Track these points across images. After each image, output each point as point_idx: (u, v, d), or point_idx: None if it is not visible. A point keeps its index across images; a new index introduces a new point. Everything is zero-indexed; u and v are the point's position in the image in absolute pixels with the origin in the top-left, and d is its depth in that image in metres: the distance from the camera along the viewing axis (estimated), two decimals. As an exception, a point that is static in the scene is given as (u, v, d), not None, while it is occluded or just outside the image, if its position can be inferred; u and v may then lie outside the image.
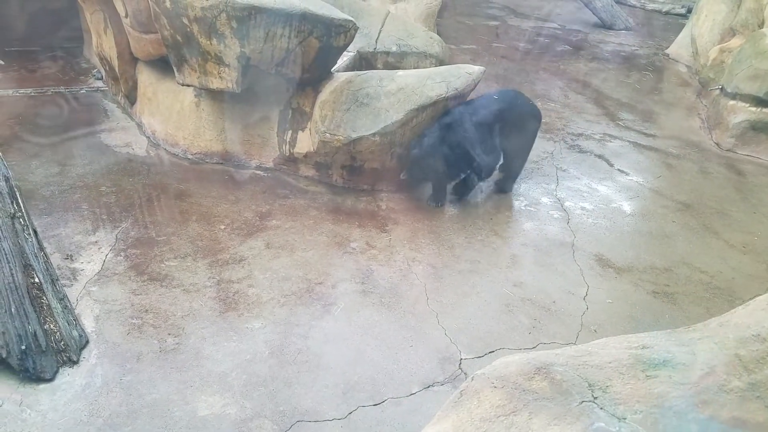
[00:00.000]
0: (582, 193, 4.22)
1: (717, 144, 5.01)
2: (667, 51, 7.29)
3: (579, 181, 4.37)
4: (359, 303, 2.85)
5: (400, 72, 3.66)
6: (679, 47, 7.07)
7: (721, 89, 5.24)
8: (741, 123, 4.89)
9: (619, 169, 4.53)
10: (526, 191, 4.10)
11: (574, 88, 5.99)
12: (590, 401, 1.05)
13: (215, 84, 3.49)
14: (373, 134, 3.47)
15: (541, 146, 4.63)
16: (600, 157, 4.68)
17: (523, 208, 3.93)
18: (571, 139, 4.89)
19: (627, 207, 4.06)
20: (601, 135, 5.01)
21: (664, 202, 4.12)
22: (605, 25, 8.32)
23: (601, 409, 1.03)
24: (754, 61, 4.84)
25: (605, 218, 3.89)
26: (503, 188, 4.08)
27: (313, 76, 3.64)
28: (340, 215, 3.60)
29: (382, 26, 4.37)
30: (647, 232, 3.77)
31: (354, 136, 3.48)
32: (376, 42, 4.31)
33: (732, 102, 4.97)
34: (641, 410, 1.04)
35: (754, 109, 4.82)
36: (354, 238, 3.37)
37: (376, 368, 2.47)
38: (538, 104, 4.35)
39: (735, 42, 5.75)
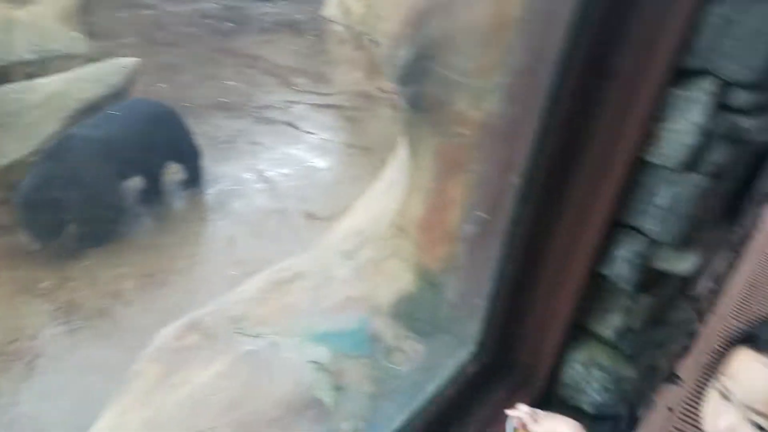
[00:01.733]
0: (279, 160, 4.45)
1: (380, 89, 5.73)
2: (323, 13, 7.94)
3: (274, 150, 4.59)
4: (70, 344, 2.58)
5: (42, 80, 3.27)
6: (331, 8, 7.75)
7: (371, 40, 5.97)
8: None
9: (306, 131, 4.88)
10: (228, 172, 4.14)
11: (247, 63, 6.15)
12: (235, 334, 1.20)
13: None
14: (31, 153, 3.07)
15: (229, 126, 4.70)
16: (287, 123, 4.96)
17: (228, 189, 3.97)
18: (257, 113, 5.05)
19: (320, 163, 4.43)
20: (283, 103, 5.29)
21: (349, 151, 4.60)
22: (262, -3, 8.59)
23: (246, 335, 1.18)
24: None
25: (304, 178, 4.19)
26: (192, 184, 3.88)
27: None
28: (17, 256, 3.13)
29: (9, 34, 3.82)
30: (340, 181, 4.20)
31: (5, 162, 3.03)
32: (7, 54, 3.76)
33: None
34: (278, 322, 1.23)
35: (401, 53, 5.63)
36: (44, 277, 2.98)
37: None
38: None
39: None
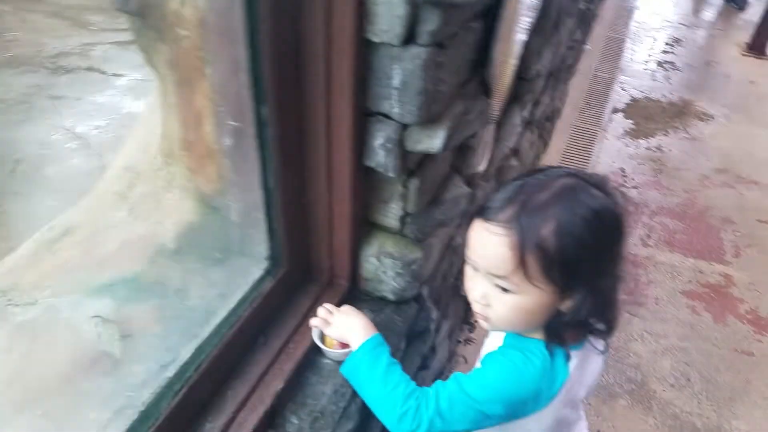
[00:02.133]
0: (89, 112, 4.01)
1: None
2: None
3: (81, 102, 4.12)
4: None
5: None
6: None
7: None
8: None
9: (114, 74, 4.41)
10: (30, 136, 3.66)
11: (28, 8, 5.33)
12: (7, 306, 1.08)
13: None
14: None
15: (22, 82, 4.12)
16: (90, 69, 4.45)
17: (37, 154, 3.52)
18: (51, 63, 4.46)
19: (137, 107, 4.05)
20: (81, 47, 4.71)
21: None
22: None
23: (18, 306, 1.07)
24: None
25: (122, 126, 3.82)
26: None
27: None
28: None
29: None
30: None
31: None
32: None
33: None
34: (53, 283, 1.13)
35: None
36: None
37: None
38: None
39: None
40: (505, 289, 0.89)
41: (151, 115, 1.40)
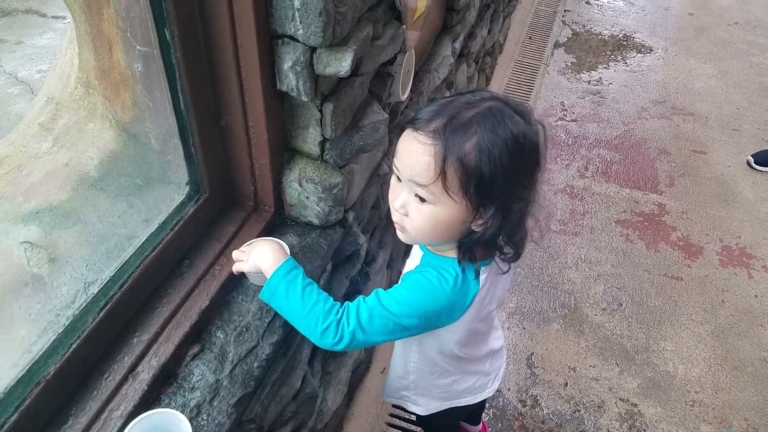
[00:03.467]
0: (31, 56, 3.86)
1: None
2: None
3: (22, 45, 3.96)
4: None
5: None
6: None
7: None
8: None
9: (53, 16, 4.23)
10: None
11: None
12: None
13: None
14: None
15: (-50, 24, 3.92)
16: (28, 11, 4.25)
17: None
18: (-19, 4, 4.23)
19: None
20: (12, -13, 4.47)
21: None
22: None
23: None
24: None
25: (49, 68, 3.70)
26: None
27: None
28: None
29: None
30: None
31: None
32: None
33: None
34: None
35: None
36: None
37: None
38: None
39: None
40: (423, 199, 0.94)
41: (69, 45, 1.39)
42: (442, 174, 0.89)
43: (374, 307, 1.04)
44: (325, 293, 1.08)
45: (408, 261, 1.25)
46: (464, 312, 1.05)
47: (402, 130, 0.98)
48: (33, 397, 0.92)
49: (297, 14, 1.04)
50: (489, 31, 2.98)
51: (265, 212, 1.41)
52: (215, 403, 1.08)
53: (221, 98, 1.19)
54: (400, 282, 1.10)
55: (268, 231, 1.42)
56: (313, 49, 1.12)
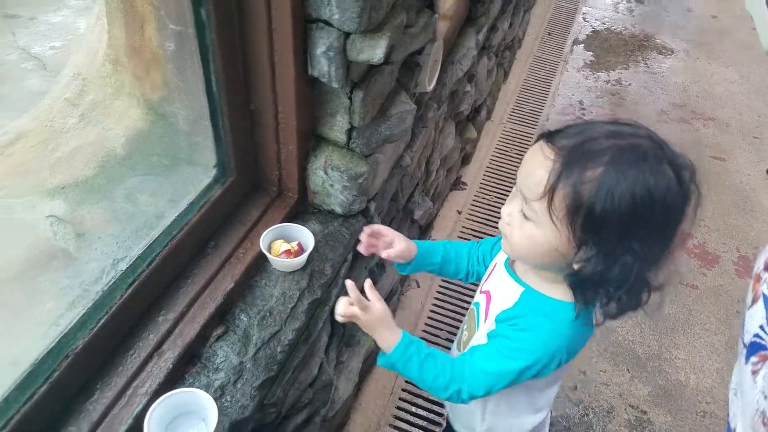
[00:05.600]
0: (44, 32, 3.84)
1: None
2: None
3: (35, 21, 3.93)
4: None
5: None
6: None
7: None
8: None
9: (69, -7, 4.22)
10: (-27, 54, 3.52)
11: None
12: None
13: None
14: None
15: (-33, -3, 3.92)
16: (42, -14, 4.23)
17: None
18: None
19: (83, 21, 3.92)
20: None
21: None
22: None
23: None
24: None
25: (79, 45, 3.71)
26: None
27: None
28: None
29: None
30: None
31: None
32: None
33: None
34: (4, 186, 1.16)
35: None
36: None
37: None
38: None
39: None
40: (526, 217, 0.87)
41: (97, 21, 1.39)
42: (550, 194, 0.81)
43: (490, 378, 0.96)
44: (442, 359, 1.00)
45: (490, 283, 1.12)
46: (576, 355, 0.99)
47: (537, 140, 0.90)
48: (62, 369, 0.92)
49: (334, -2, 1.03)
50: (510, 25, 2.96)
51: (288, 198, 1.41)
52: (239, 385, 1.09)
53: (252, 82, 1.18)
54: (503, 332, 0.98)
55: (291, 217, 1.42)
56: (347, 35, 1.12)
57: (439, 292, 2.41)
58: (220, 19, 1.03)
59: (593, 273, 0.84)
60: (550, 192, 0.81)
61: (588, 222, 0.81)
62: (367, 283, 1.05)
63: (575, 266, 0.86)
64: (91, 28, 1.47)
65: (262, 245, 1.26)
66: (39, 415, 0.90)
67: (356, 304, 1.00)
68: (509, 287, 1.02)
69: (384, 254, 1.19)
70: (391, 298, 2.12)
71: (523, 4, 3.22)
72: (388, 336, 1.01)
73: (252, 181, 1.38)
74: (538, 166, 0.84)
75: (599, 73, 3.96)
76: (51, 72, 3.54)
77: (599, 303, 0.91)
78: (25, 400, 0.88)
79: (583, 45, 4.24)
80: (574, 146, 0.82)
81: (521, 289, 0.99)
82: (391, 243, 1.20)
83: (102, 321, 1.00)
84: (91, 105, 1.36)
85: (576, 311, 0.91)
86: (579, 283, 0.89)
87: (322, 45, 1.12)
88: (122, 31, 1.24)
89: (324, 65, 1.15)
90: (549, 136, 0.87)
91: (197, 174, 1.28)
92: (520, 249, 0.92)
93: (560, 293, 0.94)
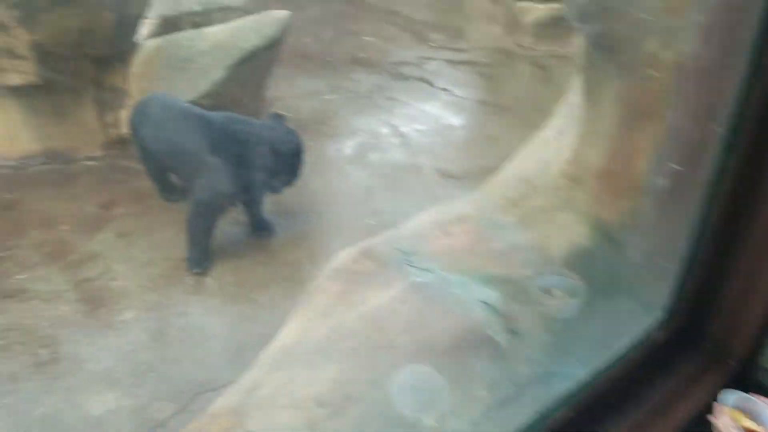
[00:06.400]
0: (414, 117, 4.50)
1: (519, 45, 5.53)
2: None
3: (409, 106, 4.65)
4: (234, 267, 2.87)
5: (209, 29, 3.54)
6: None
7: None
8: (533, 21, 5.43)
9: (442, 88, 4.87)
10: (365, 125, 4.27)
11: (385, 19, 6.19)
12: (405, 265, 1.26)
13: (14, 80, 3.17)
14: (201, 96, 3.36)
15: (369, 80, 4.83)
16: (422, 80, 4.98)
17: (365, 141, 4.10)
18: (393, 68, 5.11)
19: (455, 121, 4.42)
20: (418, 59, 5.30)
21: (486, 110, 4.53)
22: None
23: (415, 268, 1.24)
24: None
25: (438, 135, 4.22)
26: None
27: (117, 50, 3.39)
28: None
29: (179, -14, 4.14)
30: (475, 139, 4.17)
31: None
32: (179, 4, 4.10)
33: (521, 3, 5.47)
34: (444, 260, 1.27)
35: (542, 6, 5.35)
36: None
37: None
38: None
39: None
40: None
41: (559, 136, 1.49)
42: None
43: None
44: None
45: None
46: None
47: None
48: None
49: None
50: None
51: (727, 364, 1.24)
52: None
53: (742, 232, 1.10)
54: None
55: (724, 387, 1.25)
56: None
57: None
58: (738, 171, 0.98)
59: None
60: None
61: None
62: None
63: None
64: (544, 140, 1.60)
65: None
66: None
67: None
68: None
69: None
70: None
71: None
72: None
73: (694, 335, 1.27)
74: None
75: None
76: (411, 150, 4.09)
77: None
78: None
79: None
80: None
81: None
82: None
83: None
84: (532, 209, 1.44)
85: None
86: None
87: None
88: (597, 155, 1.29)
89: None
90: None
91: (635, 310, 1.23)
92: None
93: None
